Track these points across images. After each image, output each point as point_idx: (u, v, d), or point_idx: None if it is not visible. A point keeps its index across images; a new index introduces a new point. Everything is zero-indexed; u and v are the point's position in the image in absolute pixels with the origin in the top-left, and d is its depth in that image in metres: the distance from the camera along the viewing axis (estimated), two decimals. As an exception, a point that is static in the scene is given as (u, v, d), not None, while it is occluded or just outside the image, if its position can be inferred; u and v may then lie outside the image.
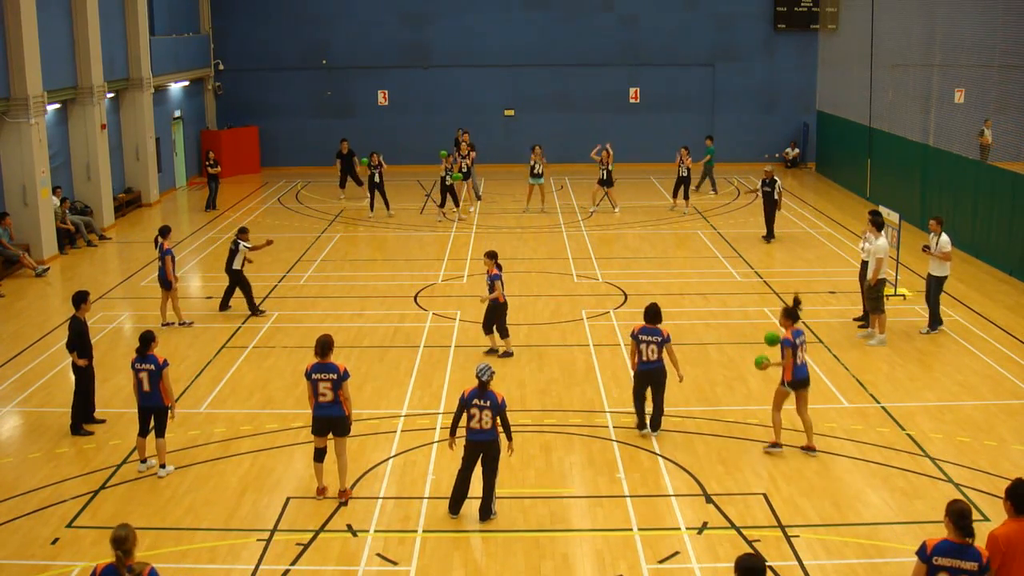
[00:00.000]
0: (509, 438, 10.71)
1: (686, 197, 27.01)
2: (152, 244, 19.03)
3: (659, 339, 12.61)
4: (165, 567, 10.00)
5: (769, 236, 23.83)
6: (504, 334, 15.88)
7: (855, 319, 17.61)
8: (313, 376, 11.04)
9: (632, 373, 13.07)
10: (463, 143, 28.11)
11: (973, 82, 28.93)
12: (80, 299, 13.45)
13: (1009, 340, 16.65)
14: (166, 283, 17.58)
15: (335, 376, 10.98)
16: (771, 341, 12.56)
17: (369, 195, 27.15)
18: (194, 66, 33.46)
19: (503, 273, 15.89)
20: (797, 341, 12.08)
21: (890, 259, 17.13)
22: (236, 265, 18.20)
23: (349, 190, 29.57)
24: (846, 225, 25.63)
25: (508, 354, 15.88)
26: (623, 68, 35.12)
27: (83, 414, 13.38)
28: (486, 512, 10.80)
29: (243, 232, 18.54)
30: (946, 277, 16.78)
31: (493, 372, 10.75)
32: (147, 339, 11.91)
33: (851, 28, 30.94)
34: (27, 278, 21.30)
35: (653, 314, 12.82)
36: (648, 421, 12.96)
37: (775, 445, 12.35)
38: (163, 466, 11.96)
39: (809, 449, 12.36)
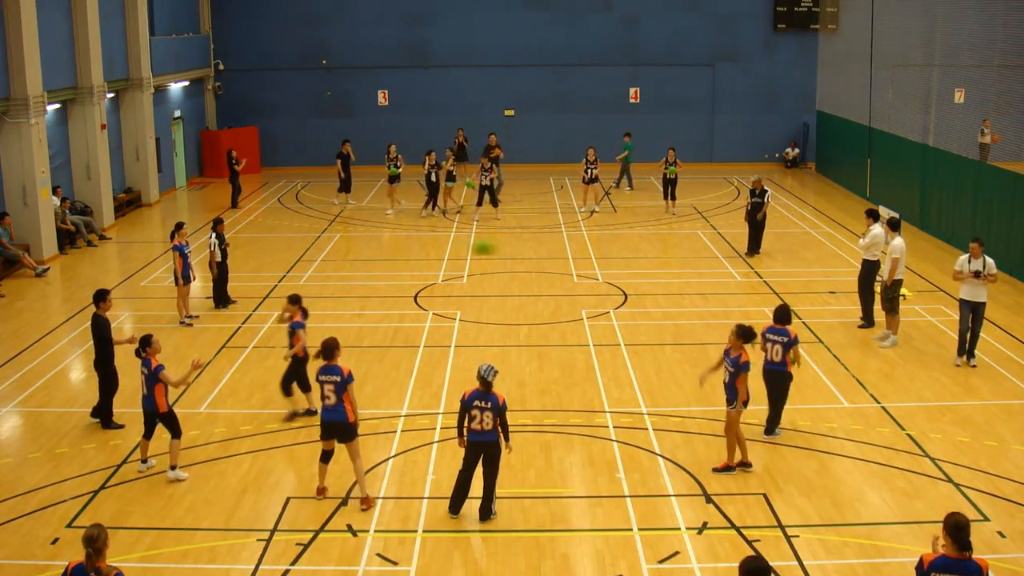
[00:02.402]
0: (506, 438, 10.71)
1: (672, 198, 26.77)
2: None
3: (785, 340, 12.39)
4: (165, 567, 10.02)
5: (752, 251, 22.47)
6: (306, 387, 13.57)
7: (860, 318, 17.62)
8: (319, 379, 11.04)
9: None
10: (494, 146, 28.20)
11: (973, 82, 28.94)
12: (100, 296, 13.55)
13: (1009, 340, 16.65)
14: (178, 279, 17.64)
15: (338, 379, 10.95)
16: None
17: (428, 195, 27.35)
18: (194, 66, 33.47)
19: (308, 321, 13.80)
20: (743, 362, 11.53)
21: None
22: (216, 257, 18.46)
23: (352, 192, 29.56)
24: (846, 225, 25.62)
25: (311, 412, 13.46)
26: (623, 68, 35.12)
27: (109, 408, 13.54)
28: (486, 512, 10.80)
29: (219, 223, 18.62)
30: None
31: (496, 372, 10.72)
32: (143, 342, 11.88)
33: (851, 28, 30.95)
34: (27, 278, 21.30)
35: (782, 314, 12.59)
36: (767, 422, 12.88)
37: (744, 464, 11.88)
38: (173, 467, 11.83)
39: (746, 464, 11.93)
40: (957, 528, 7.13)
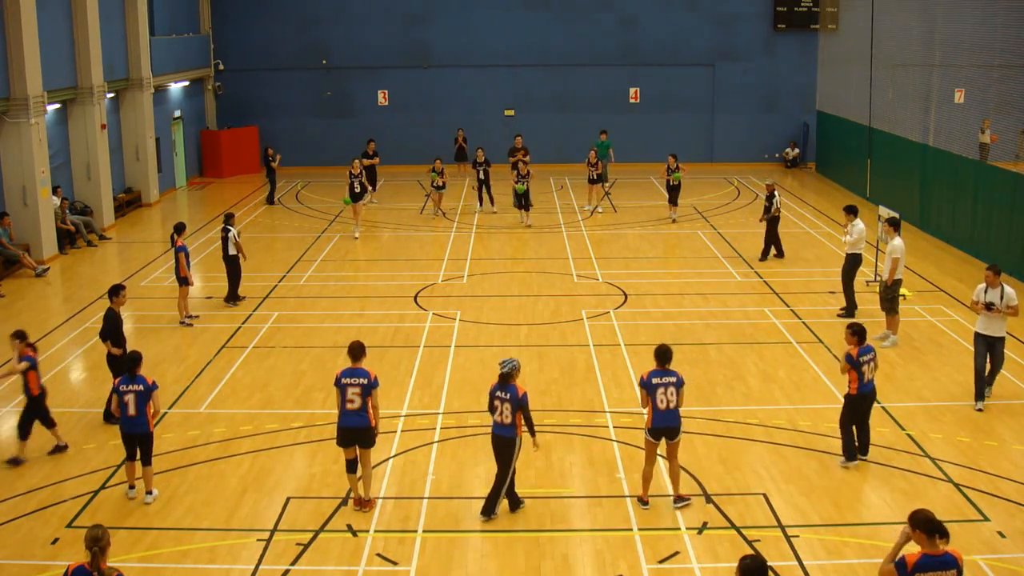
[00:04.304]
0: (532, 433, 10.67)
1: (674, 203, 26.13)
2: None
3: (874, 355, 11.85)
4: (165, 567, 10.02)
5: (765, 255, 22.09)
6: (50, 423, 12.59)
7: (842, 308, 18.04)
8: (343, 381, 10.81)
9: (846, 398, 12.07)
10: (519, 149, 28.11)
11: (973, 82, 28.94)
12: (115, 291, 13.54)
13: (1009, 340, 16.60)
14: (181, 280, 17.69)
15: (365, 381, 10.79)
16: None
17: (479, 192, 27.67)
18: (194, 66, 33.46)
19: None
20: (654, 381, 10.70)
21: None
22: (231, 251, 18.63)
23: (376, 193, 29.63)
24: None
25: (60, 448, 12.66)
26: (623, 68, 35.12)
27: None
28: (489, 510, 10.78)
29: (230, 218, 18.99)
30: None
31: (516, 365, 10.69)
32: (136, 359, 11.35)
33: (851, 28, 30.93)
34: (27, 278, 21.30)
35: (864, 331, 11.91)
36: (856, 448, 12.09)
37: (643, 501, 11.09)
38: (149, 492, 11.38)
39: (681, 499, 11.05)
40: (928, 522, 7.15)
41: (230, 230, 18.62)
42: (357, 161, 24.79)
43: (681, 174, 25.86)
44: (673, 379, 10.79)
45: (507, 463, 10.68)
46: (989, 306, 13.54)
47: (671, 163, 25.74)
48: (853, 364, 11.71)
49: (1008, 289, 13.60)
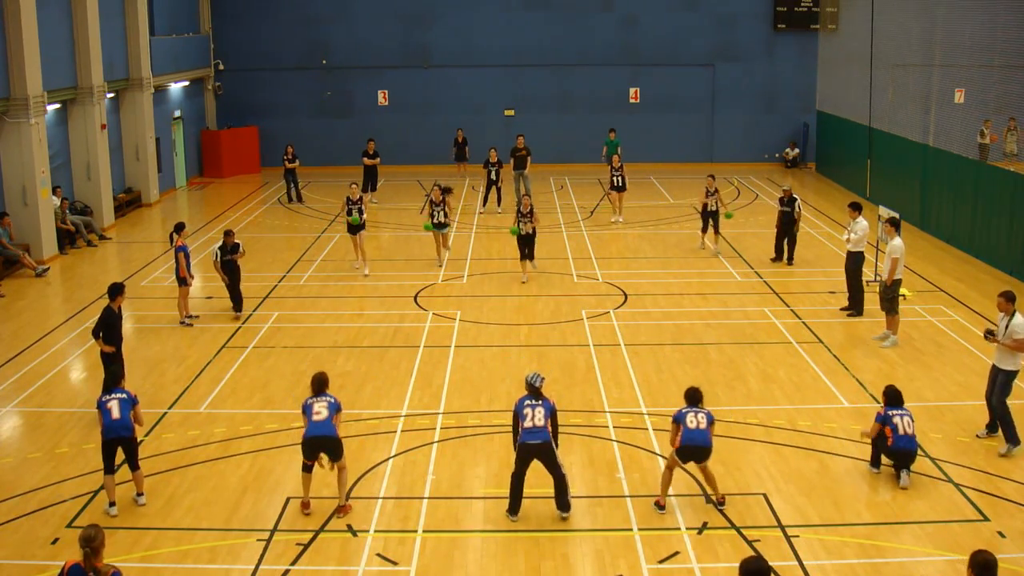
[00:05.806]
0: (555, 444, 10.70)
1: (717, 232, 23.08)
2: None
3: (907, 413, 11.63)
4: (165, 567, 10.02)
5: (779, 258, 21.76)
6: None
7: (842, 308, 18.15)
8: (309, 401, 10.94)
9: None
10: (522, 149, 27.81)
11: (973, 82, 28.93)
12: (115, 291, 13.58)
13: (1009, 340, 16.63)
14: (181, 280, 17.67)
15: (331, 400, 10.95)
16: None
17: (486, 192, 27.85)
18: (194, 66, 33.46)
19: None
20: (684, 410, 10.89)
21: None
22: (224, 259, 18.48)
23: (377, 193, 29.62)
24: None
25: None
26: (623, 68, 35.11)
27: None
28: (564, 506, 10.81)
29: (228, 234, 18.31)
30: (1017, 372, 12.43)
31: (543, 379, 10.85)
32: (118, 376, 11.54)
33: (851, 28, 30.94)
34: (27, 278, 21.30)
35: (898, 394, 11.72)
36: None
37: (660, 506, 11.01)
38: (140, 494, 11.31)
39: (721, 502, 11.06)
40: (986, 567, 6.83)
41: (216, 245, 18.40)
42: (356, 187, 21.87)
43: (724, 207, 22.79)
44: (704, 412, 10.93)
45: (555, 463, 10.68)
46: (987, 334, 12.53)
47: (710, 185, 22.61)
48: (881, 420, 11.60)
49: (1017, 319, 12.15)
